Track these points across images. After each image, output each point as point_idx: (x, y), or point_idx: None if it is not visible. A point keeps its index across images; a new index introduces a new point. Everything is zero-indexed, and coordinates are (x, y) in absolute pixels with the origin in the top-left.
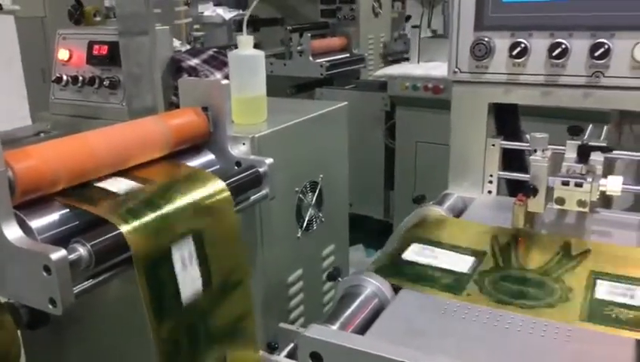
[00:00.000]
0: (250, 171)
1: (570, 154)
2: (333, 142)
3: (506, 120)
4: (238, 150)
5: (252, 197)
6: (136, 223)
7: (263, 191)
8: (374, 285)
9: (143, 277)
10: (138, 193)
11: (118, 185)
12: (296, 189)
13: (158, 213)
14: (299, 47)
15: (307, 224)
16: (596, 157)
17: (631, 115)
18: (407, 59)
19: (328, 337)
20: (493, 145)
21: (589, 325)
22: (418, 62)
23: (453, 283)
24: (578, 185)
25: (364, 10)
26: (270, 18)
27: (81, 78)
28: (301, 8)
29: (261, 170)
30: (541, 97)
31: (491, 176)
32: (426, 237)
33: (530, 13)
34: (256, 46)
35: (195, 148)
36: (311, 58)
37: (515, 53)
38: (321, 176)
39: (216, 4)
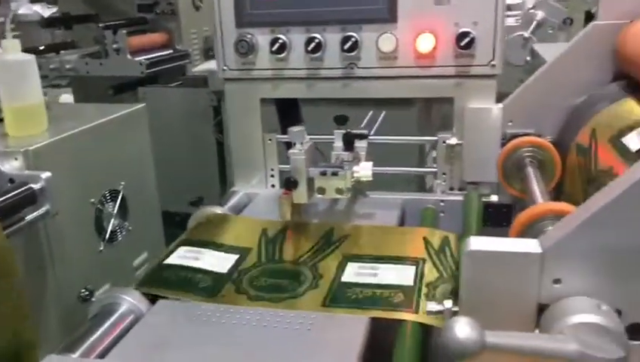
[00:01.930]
0: (21, 189)
1: (339, 142)
2: (133, 147)
3: (287, 113)
4: (11, 166)
5: (28, 217)
6: None
7: (43, 209)
8: (128, 300)
9: None
10: None
11: None
12: (93, 200)
13: None
14: (114, 45)
15: (110, 235)
16: (361, 144)
17: (439, 100)
18: None
19: None
20: (270, 139)
21: (329, 309)
22: None
23: (210, 285)
24: (334, 174)
25: (184, 3)
26: (83, 15)
27: None
28: (116, 3)
29: (36, 186)
30: (306, 90)
31: (272, 170)
32: (195, 239)
33: (286, 9)
34: (70, 45)
35: None
36: (129, 56)
37: (275, 48)
38: (123, 183)
39: (33, 1)
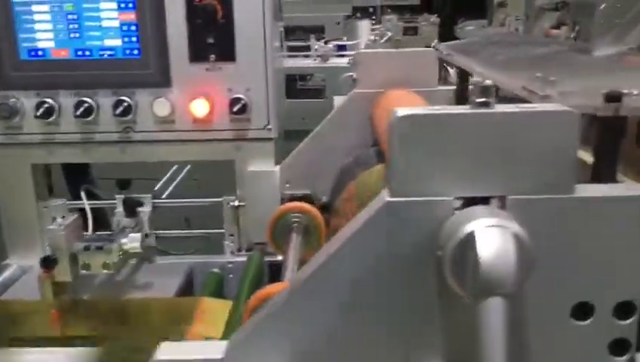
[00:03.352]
0: None
1: (120, 208)
2: None
3: (74, 174)
4: None
5: None
6: None
7: None
8: None
9: None
10: None
11: None
12: None
13: None
14: None
15: None
16: (145, 209)
17: None
18: None
19: None
20: (46, 207)
21: None
22: None
23: None
24: (99, 248)
25: None
26: None
27: None
28: None
29: None
30: (81, 155)
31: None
32: None
33: (53, 71)
34: None
35: None
36: None
37: (40, 113)
38: None
39: None
